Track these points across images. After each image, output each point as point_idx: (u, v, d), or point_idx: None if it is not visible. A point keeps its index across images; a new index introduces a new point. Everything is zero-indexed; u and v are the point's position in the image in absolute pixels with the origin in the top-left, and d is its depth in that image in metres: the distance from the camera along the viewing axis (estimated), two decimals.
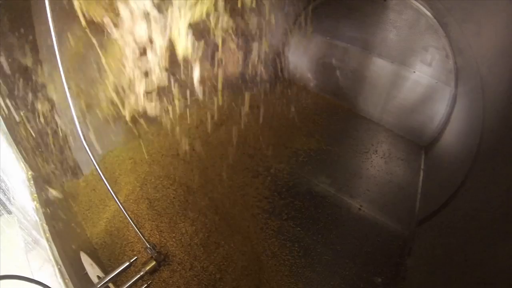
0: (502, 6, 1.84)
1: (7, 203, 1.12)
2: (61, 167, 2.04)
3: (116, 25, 1.60)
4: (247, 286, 1.89)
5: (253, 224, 2.17)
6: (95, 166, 1.48)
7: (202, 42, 1.85)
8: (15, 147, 1.34)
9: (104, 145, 2.46)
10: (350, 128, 3.02)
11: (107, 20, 1.56)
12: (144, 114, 2.05)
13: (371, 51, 2.93)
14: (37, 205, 1.29)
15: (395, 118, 2.99)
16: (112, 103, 1.89)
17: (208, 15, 1.83)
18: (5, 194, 1.15)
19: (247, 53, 2.69)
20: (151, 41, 1.70)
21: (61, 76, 1.24)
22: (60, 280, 1.11)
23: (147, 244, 1.72)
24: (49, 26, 1.17)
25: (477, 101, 2.15)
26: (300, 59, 3.35)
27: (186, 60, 1.88)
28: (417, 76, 2.76)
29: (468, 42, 2.26)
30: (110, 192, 1.54)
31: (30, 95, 1.66)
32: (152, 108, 2.00)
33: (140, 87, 1.86)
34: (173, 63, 1.86)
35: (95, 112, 2.00)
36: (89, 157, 1.46)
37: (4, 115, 1.40)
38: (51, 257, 1.16)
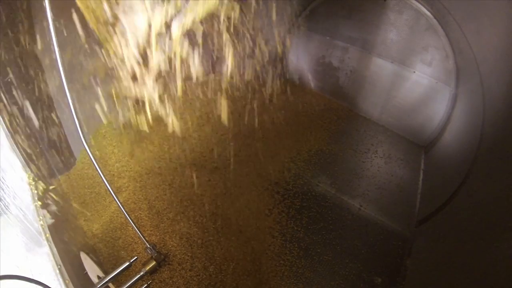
0: (502, 6, 1.84)
1: (7, 203, 1.12)
2: (61, 166, 2.04)
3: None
4: (247, 286, 1.89)
5: (253, 225, 2.17)
6: (95, 166, 1.48)
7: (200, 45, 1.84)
8: (15, 147, 1.34)
9: (103, 144, 2.46)
10: (350, 128, 3.02)
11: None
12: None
13: (371, 51, 2.93)
14: (37, 205, 1.29)
15: (395, 118, 2.99)
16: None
17: (209, 17, 1.82)
18: (5, 194, 1.15)
19: (247, 53, 2.69)
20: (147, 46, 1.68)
21: (60, 73, 1.24)
22: (60, 280, 1.11)
23: (147, 244, 1.72)
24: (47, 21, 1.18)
25: (477, 101, 2.15)
26: (300, 59, 3.35)
27: (184, 63, 1.87)
28: (417, 76, 2.76)
29: (468, 42, 2.25)
30: (110, 192, 1.55)
31: (29, 93, 1.66)
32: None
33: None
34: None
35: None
36: (90, 157, 1.46)
37: (4, 115, 1.40)
38: (51, 257, 1.16)
